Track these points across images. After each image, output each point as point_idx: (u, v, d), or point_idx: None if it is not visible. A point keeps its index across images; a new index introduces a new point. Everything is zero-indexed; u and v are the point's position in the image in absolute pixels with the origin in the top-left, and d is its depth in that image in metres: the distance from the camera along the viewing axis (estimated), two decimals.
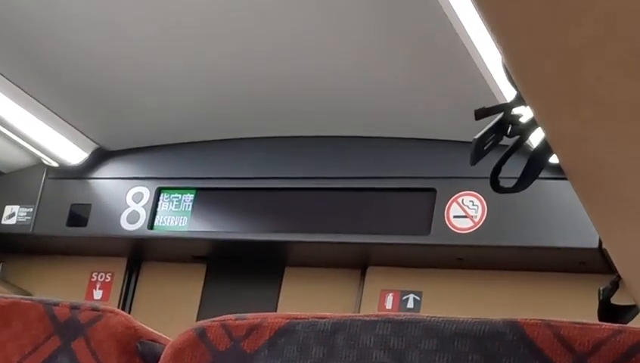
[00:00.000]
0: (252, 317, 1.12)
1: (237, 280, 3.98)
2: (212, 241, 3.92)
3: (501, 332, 1.01)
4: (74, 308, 1.24)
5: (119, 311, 1.23)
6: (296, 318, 1.10)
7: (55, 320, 1.24)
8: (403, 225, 3.59)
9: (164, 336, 1.24)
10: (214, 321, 1.14)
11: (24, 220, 4.13)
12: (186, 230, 3.92)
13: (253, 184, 3.86)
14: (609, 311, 1.53)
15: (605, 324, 1.00)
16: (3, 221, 4.18)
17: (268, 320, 1.10)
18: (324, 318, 1.09)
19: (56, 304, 1.26)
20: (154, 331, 1.24)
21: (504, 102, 1.15)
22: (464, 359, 1.01)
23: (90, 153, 4.13)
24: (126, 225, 3.97)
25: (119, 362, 1.18)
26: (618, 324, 1.00)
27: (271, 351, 1.08)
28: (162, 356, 1.15)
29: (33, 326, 1.25)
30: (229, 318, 1.13)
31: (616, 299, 1.55)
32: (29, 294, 4.08)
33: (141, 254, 4.19)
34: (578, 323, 1.01)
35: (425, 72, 3.27)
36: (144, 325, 1.23)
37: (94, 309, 1.23)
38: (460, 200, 3.52)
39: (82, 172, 4.15)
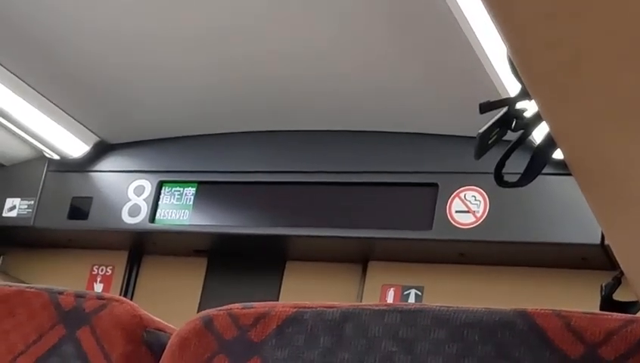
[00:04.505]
0: (259, 306, 1.12)
1: (238, 274, 3.98)
2: (214, 235, 3.92)
3: (511, 322, 1.01)
4: (79, 296, 1.24)
5: (125, 299, 1.23)
6: (304, 307, 1.09)
7: (60, 308, 1.24)
8: (405, 220, 3.59)
9: (170, 325, 1.24)
10: (221, 309, 1.13)
11: (25, 213, 4.13)
12: (187, 223, 3.92)
13: (254, 178, 3.86)
14: (611, 307, 1.53)
15: (616, 314, 1.00)
16: (4, 214, 4.18)
17: (275, 309, 1.10)
18: (332, 308, 1.09)
19: (61, 292, 1.26)
20: (160, 320, 1.24)
21: (509, 96, 1.16)
22: (474, 349, 1.00)
23: (91, 146, 4.12)
24: (127, 218, 3.97)
25: (125, 351, 1.18)
26: (629, 315, 1.00)
27: (278, 340, 1.08)
28: (168, 345, 1.15)
29: (38, 315, 1.25)
30: (236, 307, 1.13)
31: (619, 295, 1.55)
32: None
33: (142, 247, 4.18)
34: (588, 313, 1.01)
35: (428, 66, 3.27)
36: (149, 314, 1.23)
37: (100, 298, 1.23)
38: (462, 195, 3.53)
39: (84, 165, 4.15)
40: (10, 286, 1.30)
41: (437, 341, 1.02)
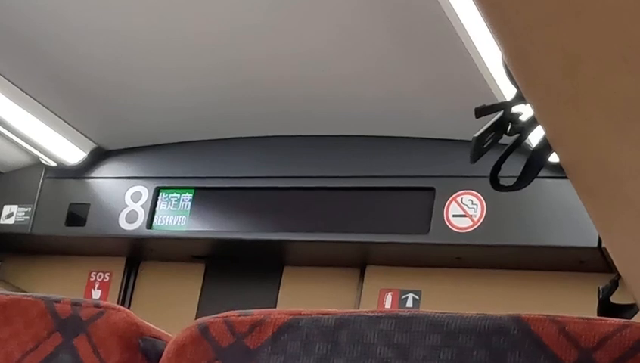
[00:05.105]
0: (255, 313, 1.12)
1: (236, 280, 3.98)
2: (211, 241, 3.92)
3: (506, 327, 1.01)
4: (75, 304, 1.24)
5: (121, 307, 1.23)
6: (300, 314, 1.10)
7: (57, 317, 1.24)
8: (402, 224, 3.59)
9: (166, 332, 1.24)
10: (217, 317, 1.13)
11: (22, 220, 4.13)
12: (185, 229, 3.92)
13: (251, 183, 3.86)
14: (608, 310, 1.53)
15: (610, 319, 1.00)
16: (1, 221, 4.17)
17: (271, 316, 1.10)
18: (327, 314, 1.09)
19: (57, 301, 1.26)
20: (156, 328, 1.24)
21: (504, 100, 1.16)
22: (468, 354, 1.01)
23: (88, 152, 4.12)
24: (125, 225, 3.97)
25: (122, 359, 1.18)
26: (623, 319, 1.00)
27: (274, 347, 1.08)
28: (164, 353, 1.15)
29: (34, 323, 1.25)
30: (232, 314, 1.13)
31: (616, 298, 1.55)
32: None
33: (139, 254, 4.18)
34: (583, 318, 1.01)
35: (425, 71, 3.27)
36: (145, 322, 1.23)
37: (96, 306, 1.23)
38: (459, 198, 3.53)
39: (81, 172, 4.15)
40: (6, 294, 1.30)
41: (432, 347, 1.02)
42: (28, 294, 1.31)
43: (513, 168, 1.18)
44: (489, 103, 1.17)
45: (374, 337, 1.05)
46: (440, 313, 1.05)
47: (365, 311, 1.08)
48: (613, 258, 1.32)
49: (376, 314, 1.07)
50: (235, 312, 1.13)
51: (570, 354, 0.98)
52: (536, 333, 1.00)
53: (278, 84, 3.54)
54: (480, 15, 0.84)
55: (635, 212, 1.14)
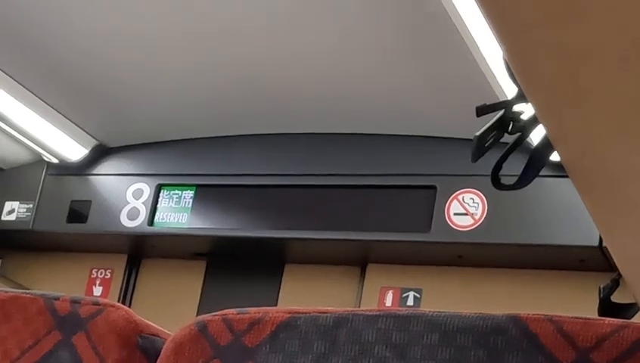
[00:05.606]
0: (253, 311, 1.12)
1: (237, 277, 3.98)
2: (212, 238, 3.92)
3: (504, 327, 1.01)
4: (75, 302, 1.24)
5: (120, 305, 1.23)
6: (298, 313, 1.10)
7: (56, 314, 1.24)
8: (403, 222, 3.59)
9: (165, 330, 1.24)
10: (215, 315, 1.13)
11: (24, 216, 4.13)
12: (186, 227, 3.92)
13: (253, 181, 3.86)
14: (609, 309, 1.53)
15: (608, 319, 1.00)
16: (3, 218, 4.18)
17: (269, 314, 1.10)
18: (325, 313, 1.09)
19: (56, 298, 1.26)
20: (155, 325, 1.24)
21: (505, 99, 1.15)
22: (466, 354, 1.00)
23: (90, 149, 4.13)
24: (126, 222, 3.97)
25: (120, 356, 1.18)
26: (621, 320, 0.99)
27: (272, 345, 1.08)
28: (163, 350, 1.15)
29: (34, 320, 1.25)
30: (231, 312, 1.13)
31: (617, 297, 1.55)
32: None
33: (141, 251, 4.18)
34: (581, 318, 1.00)
35: (426, 69, 3.27)
36: (144, 319, 1.23)
37: (95, 303, 1.23)
38: (460, 197, 3.53)
39: (82, 169, 4.15)
40: (5, 291, 1.30)
41: (430, 346, 1.02)
42: (27, 291, 1.31)
43: (514, 167, 1.17)
44: (490, 101, 1.16)
45: (372, 336, 1.05)
46: (438, 312, 1.05)
47: (364, 310, 1.08)
48: (613, 257, 1.32)
49: (374, 313, 1.07)
50: (234, 310, 1.13)
51: (568, 354, 0.98)
52: (534, 332, 1.00)
53: (279, 82, 3.54)
54: (482, 14, 0.84)
55: (636, 211, 1.14)
